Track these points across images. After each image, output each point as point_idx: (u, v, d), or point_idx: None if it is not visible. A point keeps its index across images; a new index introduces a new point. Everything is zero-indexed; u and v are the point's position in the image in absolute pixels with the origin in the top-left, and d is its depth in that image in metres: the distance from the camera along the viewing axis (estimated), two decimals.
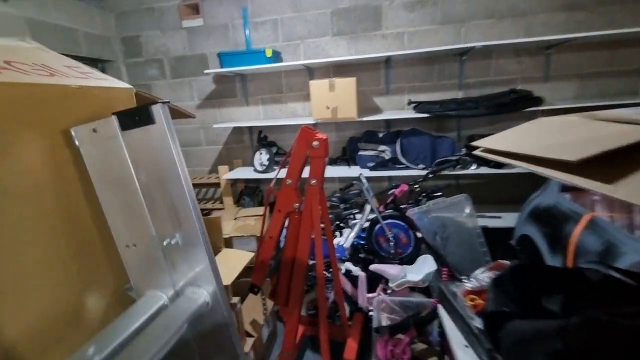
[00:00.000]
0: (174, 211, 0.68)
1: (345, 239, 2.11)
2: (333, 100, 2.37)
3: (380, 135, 2.63)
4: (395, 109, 2.74)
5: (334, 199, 2.41)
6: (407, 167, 2.50)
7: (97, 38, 2.76)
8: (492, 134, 2.61)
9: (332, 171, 2.59)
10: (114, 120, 0.67)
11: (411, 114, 2.43)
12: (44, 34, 2.30)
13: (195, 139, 3.15)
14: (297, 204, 1.54)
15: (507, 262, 1.12)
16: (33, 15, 2.22)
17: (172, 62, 2.97)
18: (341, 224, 2.33)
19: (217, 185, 2.95)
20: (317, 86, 2.37)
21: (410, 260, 2.08)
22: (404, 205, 2.20)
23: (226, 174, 2.77)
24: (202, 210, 3.06)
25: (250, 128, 3.00)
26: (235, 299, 1.66)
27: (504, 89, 2.42)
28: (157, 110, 0.63)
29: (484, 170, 2.35)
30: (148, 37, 2.94)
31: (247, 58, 2.51)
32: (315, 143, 1.41)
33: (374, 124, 2.71)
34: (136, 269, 0.78)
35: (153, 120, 0.64)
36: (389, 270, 1.90)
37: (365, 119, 2.46)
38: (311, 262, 1.70)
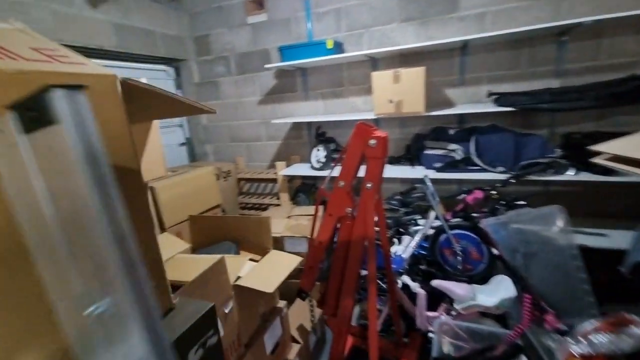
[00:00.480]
0: (99, 265, 0.42)
1: (404, 247, 1.90)
2: (397, 93, 2.14)
3: (451, 132, 2.31)
4: (471, 102, 2.39)
5: (393, 202, 2.20)
6: (483, 170, 2.16)
7: (172, 38, 2.95)
8: (599, 131, 2.10)
9: (393, 171, 2.38)
10: (9, 117, 0.40)
11: (491, 107, 2.08)
12: (128, 36, 2.51)
13: (256, 134, 3.19)
14: (350, 209, 1.39)
15: (633, 318, 0.81)
16: (118, 20, 2.43)
17: (237, 58, 3.04)
18: (401, 230, 2.12)
19: (275, 180, 2.95)
20: (380, 78, 2.17)
21: (481, 279, 1.78)
22: (477, 214, 1.90)
23: (282, 170, 2.75)
24: (259, 205, 3.12)
25: (309, 123, 2.92)
26: (282, 303, 1.60)
27: (620, 75, 1.92)
28: (60, 102, 0.35)
29: (586, 176, 1.90)
30: (216, 35, 3.05)
31: (307, 50, 2.42)
32: (372, 141, 1.24)
33: (444, 119, 2.41)
34: (70, 333, 0.53)
35: (54, 118, 0.36)
36: (455, 289, 1.64)
37: (434, 113, 2.18)
38: (364, 272, 1.55)
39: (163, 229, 1.96)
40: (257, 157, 3.28)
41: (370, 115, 2.34)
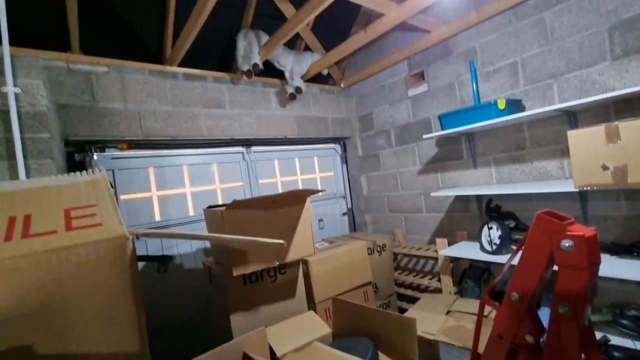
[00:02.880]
0: None
1: None
2: (616, 156, 1.48)
3: None
4: None
5: (624, 321, 1.40)
6: None
7: (341, 120, 3.33)
8: None
9: (621, 267, 1.57)
10: None
11: None
12: (306, 125, 3.02)
13: (416, 206, 2.98)
14: (532, 337, 0.94)
15: None
16: (300, 113, 2.98)
17: (397, 130, 3.07)
18: None
19: (436, 258, 2.56)
20: (582, 137, 1.59)
21: None
22: None
23: (444, 249, 2.35)
24: (417, 285, 2.75)
25: (477, 195, 2.47)
26: None
27: None
28: None
29: None
30: (378, 111, 3.22)
31: (473, 115, 2.12)
32: (566, 243, 0.83)
33: None
34: None
35: None
36: None
37: None
38: None
39: (313, 304, 1.99)
40: (416, 230, 3.01)
41: (569, 187, 1.71)
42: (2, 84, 1.37)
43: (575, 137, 1.62)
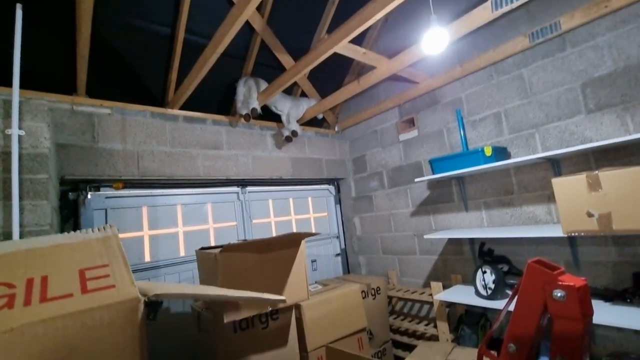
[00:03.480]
0: None
1: None
2: (600, 204, 1.55)
3: None
4: None
5: None
6: None
7: (335, 162, 3.42)
8: None
9: (615, 315, 1.57)
10: None
11: None
12: (300, 166, 3.09)
13: (410, 248, 2.97)
14: None
15: None
16: (295, 155, 3.06)
17: (389, 173, 3.15)
18: None
19: (431, 303, 2.51)
20: (566, 186, 1.66)
21: None
22: None
23: (438, 294, 2.32)
24: (413, 332, 2.66)
25: (471, 238, 2.49)
26: None
27: None
28: None
29: None
30: (372, 154, 3.33)
31: (462, 161, 2.22)
32: (558, 293, 0.84)
33: None
34: None
35: None
36: None
37: None
38: None
39: (305, 352, 1.90)
40: (410, 272, 2.97)
41: (558, 232, 1.75)
42: (7, 126, 1.41)
43: (560, 184, 1.69)
